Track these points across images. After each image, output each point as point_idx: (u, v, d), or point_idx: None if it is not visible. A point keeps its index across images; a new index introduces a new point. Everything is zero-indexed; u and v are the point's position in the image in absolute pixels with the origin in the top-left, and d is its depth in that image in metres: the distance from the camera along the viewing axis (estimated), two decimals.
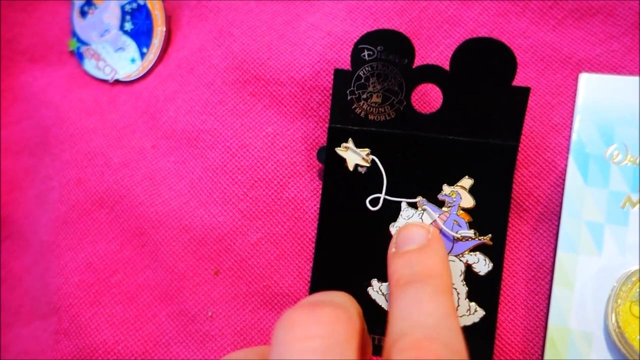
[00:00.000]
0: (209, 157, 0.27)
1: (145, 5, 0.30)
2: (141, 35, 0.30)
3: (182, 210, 0.26)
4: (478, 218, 0.23)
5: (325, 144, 0.25)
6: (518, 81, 0.26)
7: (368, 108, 0.23)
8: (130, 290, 0.26)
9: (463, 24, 0.27)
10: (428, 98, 0.25)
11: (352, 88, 0.23)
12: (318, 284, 0.24)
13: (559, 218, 0.23)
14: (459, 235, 0.23)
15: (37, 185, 0.30)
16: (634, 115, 0.24)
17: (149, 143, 0.28)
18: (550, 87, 0.26)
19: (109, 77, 0.30)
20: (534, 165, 0.25)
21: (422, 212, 0.23)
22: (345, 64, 0.27)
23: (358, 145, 0.24)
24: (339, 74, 0.24)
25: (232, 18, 0.28)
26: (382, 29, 0.23)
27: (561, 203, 0.24)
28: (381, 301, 0.23)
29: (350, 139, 0.24)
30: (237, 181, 0.26)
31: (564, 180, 0.24)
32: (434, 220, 0.23)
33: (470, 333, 0.22)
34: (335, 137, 0.24)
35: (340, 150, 0.24)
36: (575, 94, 0.25)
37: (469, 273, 0.23)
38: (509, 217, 0.23)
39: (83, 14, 0.31)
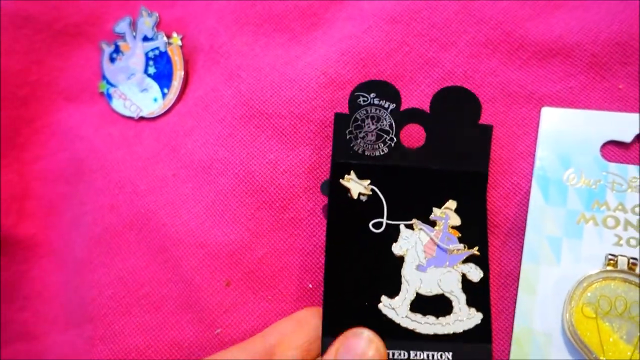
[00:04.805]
0: (220, 183, 0.30)
1: (166, 52, 0.34)
2: (163, 78, 0.33)
3: (199, 229, 0.29)
4: (464, 233, 0.26)
5: (326, 179, 0.28)
6: (489, 114, 0.29)
7: (364, 145, 0.27)
8: (156, 301, 0.28)
9: (441, 65, 0.30)
10: (414, 135, 0.28)
11: (350, 128, 0.27)
12: (331, 304, 0.25)
13: (524, 233, 0.27)
14: (453, 248, 0.26)
15: (72, 209, 0.33)
16: (588, 144, 0.27)
17: (170, 172, 0.31)
18: (516, 120, 0.29)
19: (134, 115, 0.33)
20: (502, 187, 0.28)
21: (419, 231, 0.27)
22: (338, 100, 0.30)
23: (359, 177, 0.27)
24: (339, 117, 0.27)
25: (240, 62, 0.32)
26: (374, 80, 0.28)
27: (526, 220, 0.27)
28: (392, 315, 0.25)
29: (352, 171, 0.27)
30: (245, 203, 0.29)
31: (528, 200, 0.27)
32: (430, 238, 0.26)
33: (474, 335, 0.25)
34: (339, 170, 0.27)
35: (344, 182, 0.27)
36: (538, 126, 0.28)
37: (464, 281, 0.26)
38: (487, 230, 0.27)
39: (112, 59, 0.35)
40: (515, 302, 0.26)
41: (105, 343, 0.28)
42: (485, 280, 0.26)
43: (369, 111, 0.27)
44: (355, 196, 0.27)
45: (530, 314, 0.25)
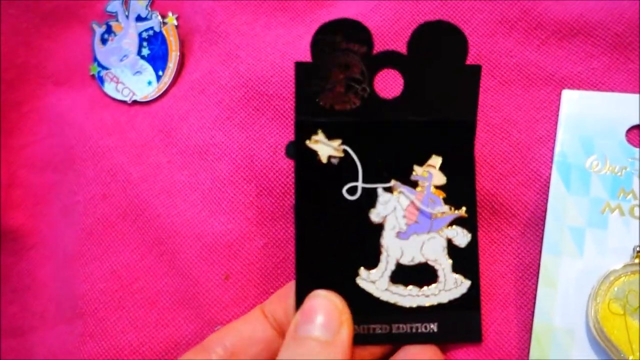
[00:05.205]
0: (217, 169, 0.29)
1: (161, 32, 0.32)
2: (157, 59, 0.32)
3: (195, 219, 0.28)
4: (450, 193, 0.24)
5: (292, 140, 0.24)
6: (506, 97, 0.28)
7: (333, 98, 0.23)
8: (151, 296, 0.27)
9: None
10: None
11: (315, 80, 0.23)
12: (304, 280, 0.23)
13: (544, 223, 0.25)
14: (437, 212, 0.24)
15: (62, 199, 0.32)
16: (612, 128, 0.26)
17: (164, 159, 0.30)
18: (535, 103, 0.28)
19: (127, 99, 0.32)
20: (521, 174, 0.27)
21: (398, 195, 0.24)
22: None
23: (328, 136, 0.24)
24: (300, 67, 0.23)
25: (239, 42, 0.30)
26: (339, 19, 0.22)
27: (546, 209, 0.26)
28: (371, 289, 0.24)
29: (319, 130, 0.24)
30: (243, 190, 0.28)
31: (548, 188, 0.26)
32: (412, 202, 0.24)
33: (460, 305, 0.23)
34: (304, 130, 0.24)
35: (311, 144, 0.24)
36: (558, 109, 0.27)
37: (450, 247, 0.24)
38: (476, 187, 0.24)
39: (103, 41, 0.33)
40: (534, 297, 0.25)
41: (97, 340, 0.27)
42: (473, 244, 0.24)
43: (337, 57, 0.23)
44: (324, 160, 0.24)
45: (551, 310, 0.24)
